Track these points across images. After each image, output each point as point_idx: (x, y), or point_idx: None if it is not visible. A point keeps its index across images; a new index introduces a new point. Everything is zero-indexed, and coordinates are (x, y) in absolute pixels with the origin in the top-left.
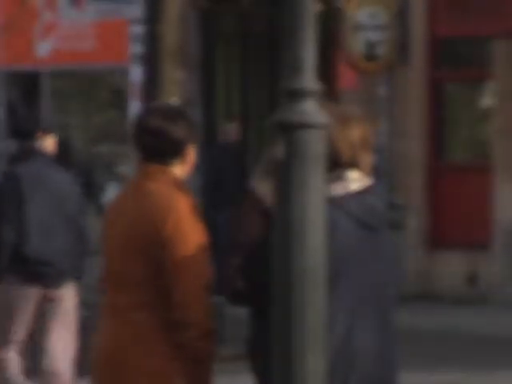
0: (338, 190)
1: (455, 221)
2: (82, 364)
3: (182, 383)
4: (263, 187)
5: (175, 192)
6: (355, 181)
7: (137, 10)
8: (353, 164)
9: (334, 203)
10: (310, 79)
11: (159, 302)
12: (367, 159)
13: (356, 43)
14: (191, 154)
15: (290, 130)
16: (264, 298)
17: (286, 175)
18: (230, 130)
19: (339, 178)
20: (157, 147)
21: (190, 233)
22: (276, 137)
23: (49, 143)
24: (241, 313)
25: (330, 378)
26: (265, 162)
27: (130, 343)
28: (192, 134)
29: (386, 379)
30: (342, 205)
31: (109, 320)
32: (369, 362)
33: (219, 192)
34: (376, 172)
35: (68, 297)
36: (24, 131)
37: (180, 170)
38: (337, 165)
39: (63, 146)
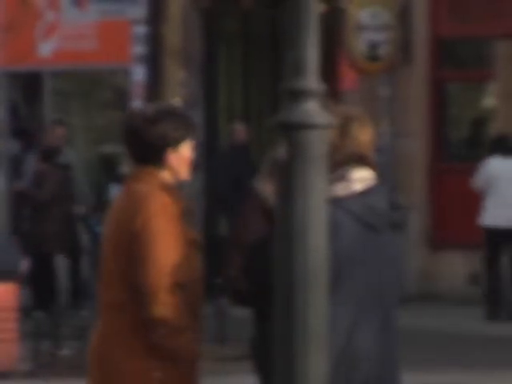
0: (342, 189)
1: (457, 221)
2: (82, 364)
3: (161, 382)
4: (267, 187)
5: (154, 192)
6: (360, 180)
7: (139, 11)
8: (368, 162)
9: (337, 203)
10: (312, 79)
11: (135, 301)
12: (374, 159)
13: (358, 43)
14: (172, 157)
15: (293, 131)
16: (266, 299)
17: (288, 175)
18: (239, 131)
19: (343, 177)
20: (135, 150)
21: (160, 232)
22: (278, 137)
23: None
24: (243, 313)
25: (332, 378)
26: (268, 162)
27: (110, 342)
28: (174, 135)
29: (388, 379)
30: (345, 205)
31: (98, 319)
32: (371, 363)
33: (238, 193)
34: (378, 172)
35: None
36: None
37: (168, 172)
38: (356, 162)
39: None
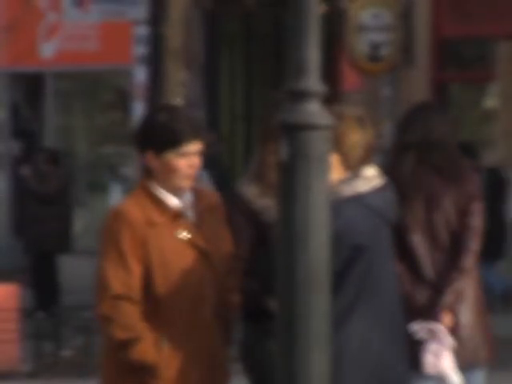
0: (362, 185)
1: None
2: (83, 364)
3: None
4: (251, 189)
5: (125, 205)
6: (372, 178)
7: (141, 11)
8: (368, 163)
9: (356, 198)
10: (314, 80)
11: None
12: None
13: (360, 44)
14: (175, 162)
15: (294, 131)
16: (266, 299)
17: (289, 176)
18: None
19: (359, 175)
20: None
21: (106, 244)
22: (280, 137)
23: None
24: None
25: (336, 377)
26: (253, 164)
27: (102, 354)
28: (178, 140)
29: (392, 380)
30: (367, 200)
31: None
32: (375, 362)
33: None
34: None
35: None
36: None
37: (168, 177)
38: (355, 163)
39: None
